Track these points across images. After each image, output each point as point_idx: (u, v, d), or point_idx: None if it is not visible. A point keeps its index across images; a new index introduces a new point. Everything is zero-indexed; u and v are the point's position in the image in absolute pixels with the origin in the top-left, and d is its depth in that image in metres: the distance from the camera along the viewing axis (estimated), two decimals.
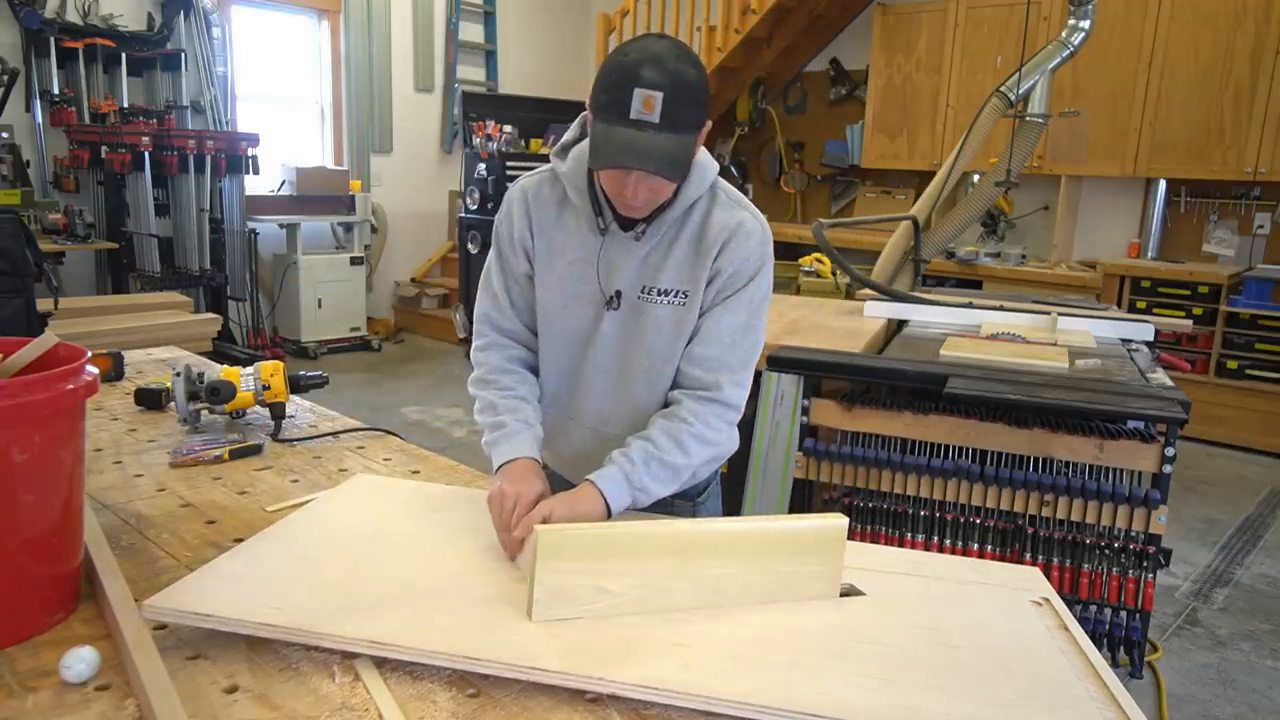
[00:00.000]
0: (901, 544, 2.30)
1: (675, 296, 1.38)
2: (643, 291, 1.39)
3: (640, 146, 1.19)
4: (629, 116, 1.19)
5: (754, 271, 1.38)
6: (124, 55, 5.60)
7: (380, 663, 1.02)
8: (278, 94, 6.83)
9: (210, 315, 5.07)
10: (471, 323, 1.58)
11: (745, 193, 6.21)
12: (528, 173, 1.49)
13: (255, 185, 6.10)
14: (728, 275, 1.37)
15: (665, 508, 1.51)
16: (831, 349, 2.56)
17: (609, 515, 1.27)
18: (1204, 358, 5.06)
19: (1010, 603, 1.22)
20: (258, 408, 1.87)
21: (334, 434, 1.85)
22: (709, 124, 1.29)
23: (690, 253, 1.37)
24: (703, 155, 1.36)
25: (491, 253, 1.51)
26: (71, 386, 1.06)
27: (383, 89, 7.12)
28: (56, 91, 5.36)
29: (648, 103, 1.18)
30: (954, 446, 2.26)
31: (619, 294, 1.40)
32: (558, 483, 1.60)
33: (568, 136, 1.43)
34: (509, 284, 1.48)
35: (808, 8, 6.58)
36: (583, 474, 1.33)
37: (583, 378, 1.47)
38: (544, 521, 1.20)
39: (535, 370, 1.52)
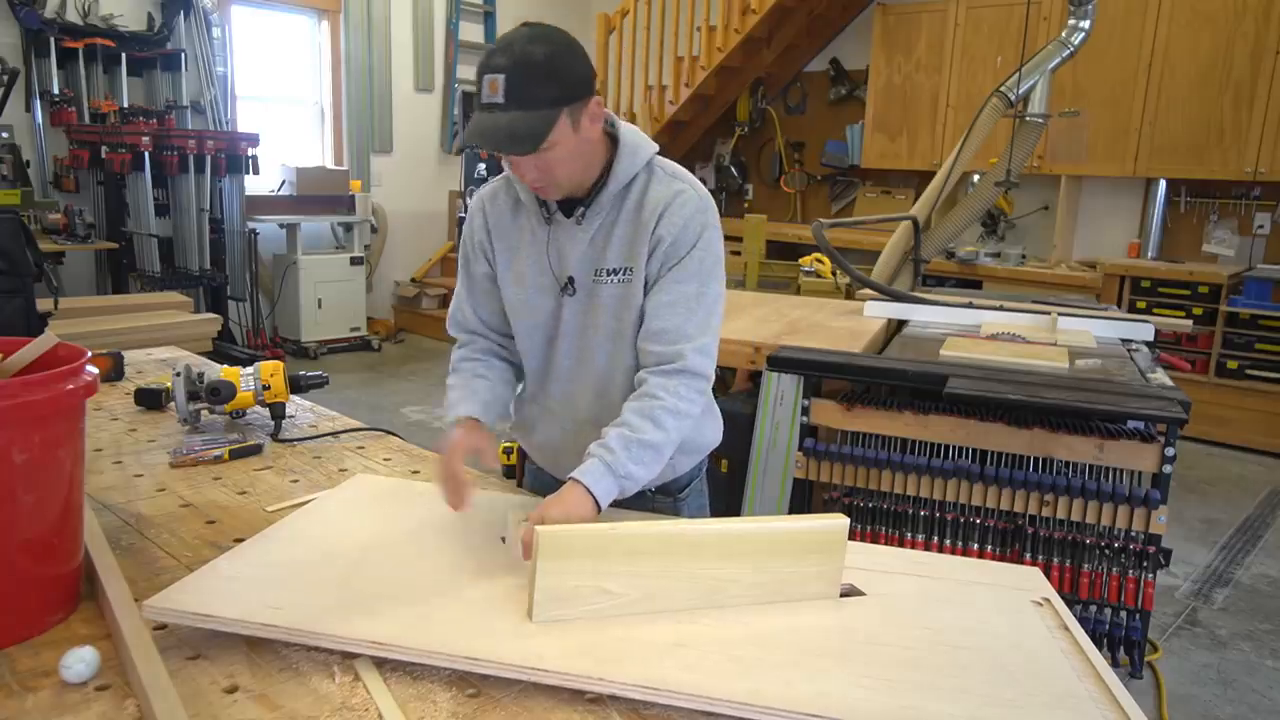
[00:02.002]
0: (901, 544, 2.30)
1: (621, 274, 1.41)
2: (595, 275, 1.43)
3: (485, 127, 1.25)
4: (482, 102, 1.27)
5: (695, 238, 1.39)
6: (124, 55, 5.60)
7: (380, 663, 1.02)
8: (278, 94, 6.83)
9: (210, 315, 5.07)
10: None
11: (744, 192, 6.22)
12: (487, 182, 1.56)
13: (255, 185, 6.10)
14: (669, 243, 1.38)
15: (646, 504, 1.52)
16: (831, 349, 2.56)
17: (599, 509, 1.27)
18: (1204, 358, 5.06)
19: (1010, 603, 1.22)
20: (258, 408, 1.87)
21: (334, 434, 1.85)
22: (598, 99, 1.33)
23: (631, 229, 1.40)
24: (635, 135, 1.41)
25: (458, 260, 1.59)
26: (71, 386, 1.06)
27: (383, 89, 7.12)
28: (56, 91, 5.36)
29: (492, 85, 1.25)
30: (954, 446, 2.26)
31: (572, 279, 1.43)
32: (545, 479, 1.62)
33: None
34: (471, 286, 1.55)
35: (808, 8, 6.57)
36: (565, 465, 1.35)
37: (552, 367, 1.50)
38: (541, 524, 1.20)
39: (506, 359, 1.58)
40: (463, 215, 6.56)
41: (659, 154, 1.45)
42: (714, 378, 1.45)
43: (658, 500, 1.56)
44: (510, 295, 1.50)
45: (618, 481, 1.29)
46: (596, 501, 1.26)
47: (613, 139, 1.41)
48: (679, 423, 1.36)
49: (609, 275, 1.41)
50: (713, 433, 1.59)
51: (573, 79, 1.28)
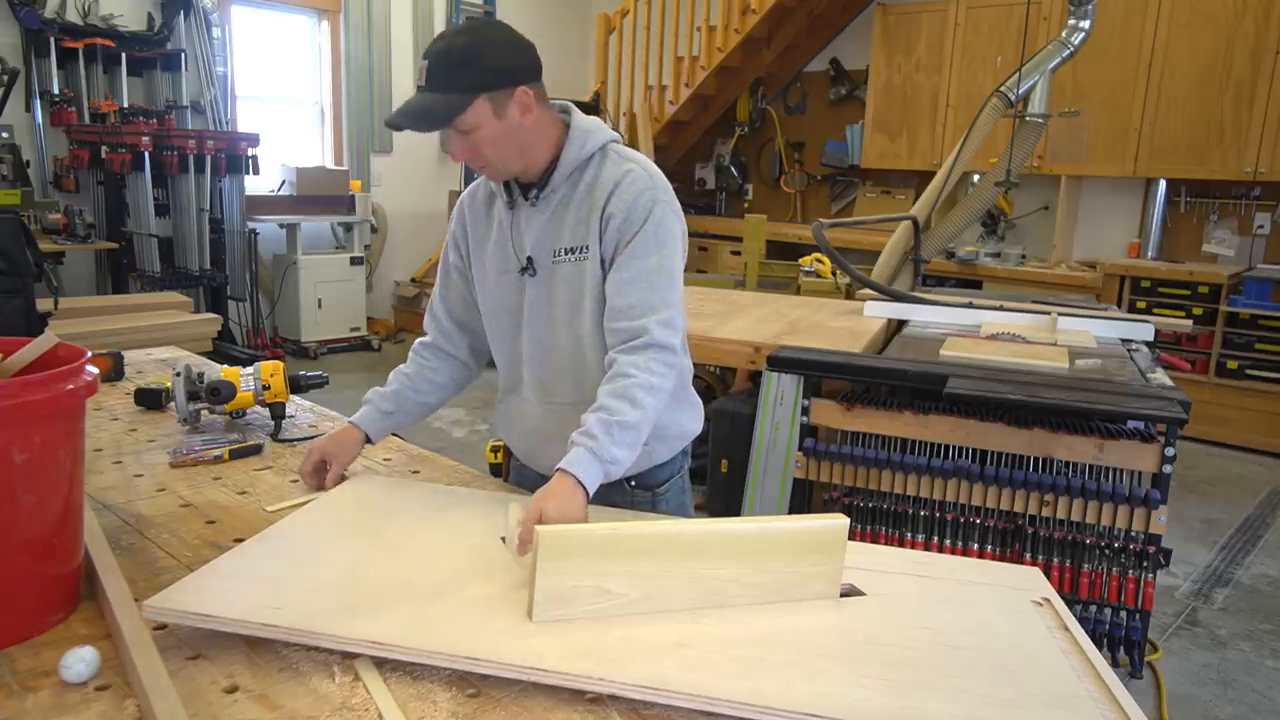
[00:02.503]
0: (901, 544, 2.30)
1: (577, 253, 1.46)
2: (554, 255, 1.48)
3: (406, 106, 1.38)
4: (416, 85, 1.39)
5: (646, 213, 1.43)
6: (124, 55, 5.59)
7: (380, 663, 1.02)
8: (278, 94, 6.82)
9: (210, 315, 5.07)
10: None
11: (744, 192, 6.26)
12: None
13: (255, 185, 6.09)
14: (620, 220, 1.43)
15: (626, 499, 1.54)
16: (831, 349, 2.56)
17: (588, 496, 1.30)
18: (1204, 358, 5.06)
19: (1010, 603, 1.22)
20: (258, 408, 1.87)
21: None
22: (524, 89, 1.38)
23: (584, 209, 1.46)
24: (588, 122, 1.49)
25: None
26: (71, 386, 1.06)
27: (383, 89, 7.11)
28: (56, 91, 5.36)
29: (420, 71, 1.37)
30: (954, 446, 2.26)
31: (530, 260, 1.49)
32: (529, 475, 1.63)
33: None
34: (445, 276, 1.66)
35: (808, 8, 6.57)
36: (547, 454, 1.42)
37: (522, 353, 1.55)
38: (539, 521, 1.21)
39: (456, 360, 1.68)
40: None
41: (618, 142, 1.51)
42: (691, 366, 1.52)
43: (636, 495, 1.57)
44: (481, 283, 1.58)
45: (603, 467, 1.32)
46: (585, 489, 1.29)
47: (567, 127, 1.48)
48: (654, 399, 1.38)
49: (566, 254, 1.47)
50: (690, 421, 1.61)
51: (492, 69, 1.37)
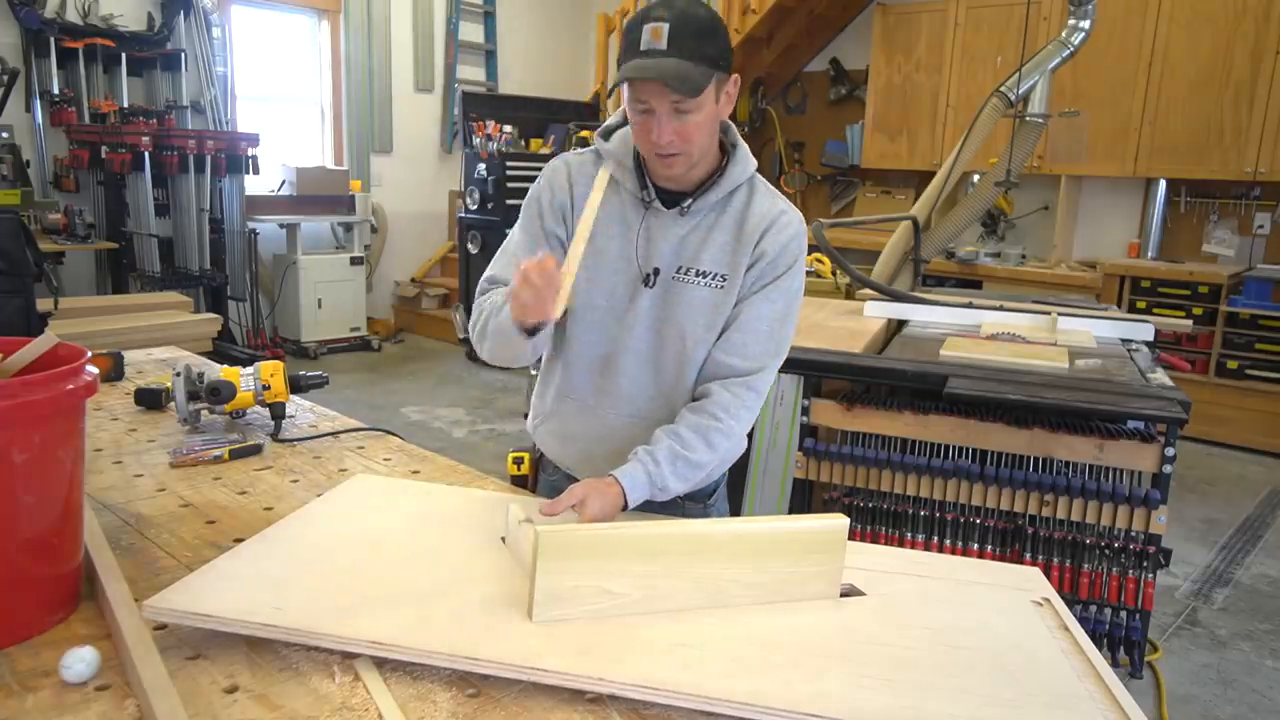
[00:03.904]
0: (901, 544, 2.30)
1: (714, 279, 1.39)
2: (679, 271, 1.40)
3: (647, 66, 1.24)
4: (639, 49, 1.25)
5: (793, 260, 1.41)
6: (124, 55, 5.60)
7: (380, 663, 1.01)
8: (278, 94, 6.83)
9: (210, 315, 5.07)
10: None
11: None
12: (570, 152, 1.50)
13: (255, 185, 6.10)
14: (769, 260, 1.39)
15: (676, 510, 1.51)
16: (831, 349, 2.56)
17: (625, 508, 1.30)
18: (1204, 358, 5.06)
19: (1011, 603, 1.22)
20: (258, 408, 1.87)
21: (334, 434, 1.85)
22: (737, 78, 1.32)
23: (731, 238, 1.40)
24: (744, 147, 1.42)
25: (519, 223, 1.48)
26: (71, 386, 1.06)
27: (383, 89, 7.11)
28: (56, 91, 5.36)
29: (655, 33, 1.24)
30: (954, 446, 2.26)
31: (656, 271, 1.40)
32: (565, 489, 1.59)
33: (611, 121, 1.48)
34: (534, 246, 1.43)
35: (808, 8, 6.58)
36: (603, 458, 1.37)
37: (616, 361, 1.44)
38: (574, 508, 1.25)
39: None
40: (463, 215, 6.56)
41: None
42: None
43: (688, 507, 1.54)
44: (581, 276, 1.39)
45: (652, 491, 1.33)
46: (627, 505, 1.30)
47: (721, 145, 1.41)
48: (729, 443, 1.39)
49: (698, 277, 1.39)
50: (744, 444, 1.60)
51: (726, 47, 1.29)
